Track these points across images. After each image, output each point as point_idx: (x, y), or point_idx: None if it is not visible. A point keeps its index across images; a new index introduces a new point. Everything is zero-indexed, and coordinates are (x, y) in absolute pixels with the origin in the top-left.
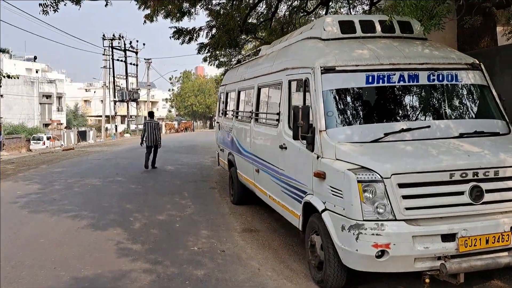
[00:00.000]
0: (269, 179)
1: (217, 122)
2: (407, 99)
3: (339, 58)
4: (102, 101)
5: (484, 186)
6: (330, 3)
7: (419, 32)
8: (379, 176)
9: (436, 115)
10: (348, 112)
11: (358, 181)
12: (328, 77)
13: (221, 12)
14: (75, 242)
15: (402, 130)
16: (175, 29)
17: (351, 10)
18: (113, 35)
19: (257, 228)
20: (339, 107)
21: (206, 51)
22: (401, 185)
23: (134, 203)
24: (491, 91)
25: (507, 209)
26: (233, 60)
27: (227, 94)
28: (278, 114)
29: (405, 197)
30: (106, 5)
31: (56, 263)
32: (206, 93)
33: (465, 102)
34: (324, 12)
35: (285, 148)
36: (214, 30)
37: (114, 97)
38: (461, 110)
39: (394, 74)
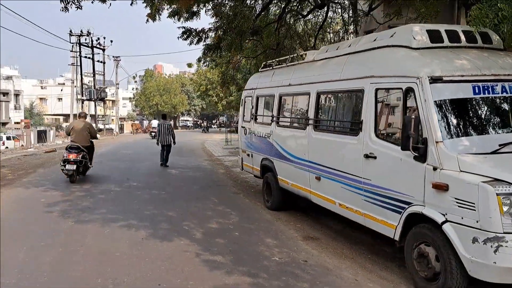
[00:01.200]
0: (340, 187)
1: (242, 127)
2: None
3: (443, 68)
4: (60, 99)
5: None
6: (330, 8)
7: (498, 43)
8: None
9: None
10: (460, 123)
11: (497, 194)
12: (436, 87)
13: (231, 14)
14: (154, 256)
15: None
16: (184, 29)
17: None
18: (81, 31)
19: (316, 236)
20: (451, 118)
21: (212, 52)
22: None
23: (173, 210)
24: None
25: None
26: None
27: (257, 98)
28: (360, 122)
29: None
30: (132, 4)
31: (156, 279)
32: (172, 92)
33: None
34: (320, 16)
35: (374, 157)
36: (220, 31)
37: (82, 95)
38: None
39: (497, 85)
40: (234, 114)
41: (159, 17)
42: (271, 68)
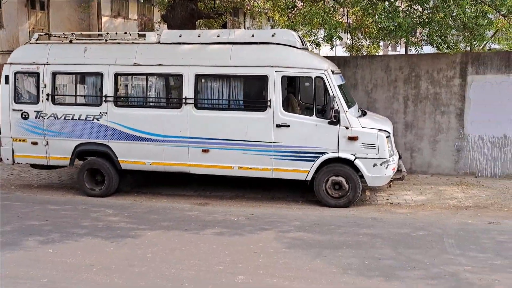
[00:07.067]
0: (242, 153)
1: (18, 110)
2: (343, 92)
3: (330, 65)
4: None
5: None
6: None
7: (306, 45)
8: (389, 133)
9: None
10: (345, 99)
11: (386, 137)
12: (335, 77)
13: None
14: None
15: (360, 109)
16: None
17: None
18: None
19: (205, 202)
20: (343, 96)
21: None
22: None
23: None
24: None
25: None
26: None
27: (54, 75)
28: (269, 101)
29: None
30: None
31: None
32: None
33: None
34: None
35: (287, 126)
36: None
37: None
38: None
39: (340, 75)
40: None
41: None
42: (69, 41)
